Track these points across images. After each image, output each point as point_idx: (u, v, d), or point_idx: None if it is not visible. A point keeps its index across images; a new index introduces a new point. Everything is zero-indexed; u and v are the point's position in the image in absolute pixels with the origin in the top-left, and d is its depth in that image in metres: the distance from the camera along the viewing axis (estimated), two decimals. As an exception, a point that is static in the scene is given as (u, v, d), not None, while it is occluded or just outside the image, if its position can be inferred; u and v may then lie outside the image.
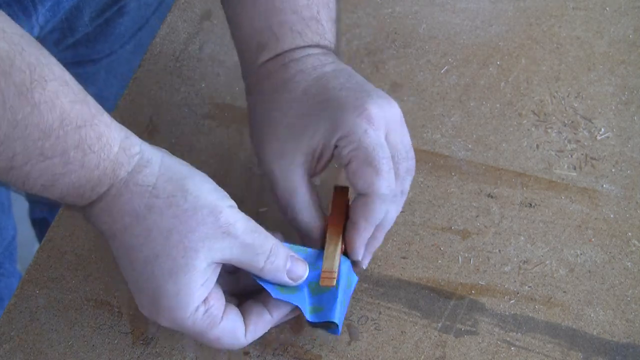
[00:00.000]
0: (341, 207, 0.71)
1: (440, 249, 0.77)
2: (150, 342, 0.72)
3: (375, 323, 0.73)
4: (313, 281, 0.67)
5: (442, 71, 0.87)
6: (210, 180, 0.63)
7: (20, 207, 1.41)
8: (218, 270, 0.63)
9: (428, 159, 0.81)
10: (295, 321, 0.73)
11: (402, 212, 0.78)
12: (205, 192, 0.62)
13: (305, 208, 0.69)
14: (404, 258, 0.76)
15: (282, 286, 0.66)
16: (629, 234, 0.77)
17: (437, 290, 0.74)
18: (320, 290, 0.67)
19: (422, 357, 0.71)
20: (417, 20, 0.91)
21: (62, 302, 0.75)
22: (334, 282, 0.66)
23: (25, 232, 1.51)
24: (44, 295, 0.75)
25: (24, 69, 0.56)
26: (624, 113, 0.84)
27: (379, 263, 0.76)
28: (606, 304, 0.73)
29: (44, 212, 1.42)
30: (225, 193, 0.63)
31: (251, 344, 0.72)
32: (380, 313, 0.73)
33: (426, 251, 0.77)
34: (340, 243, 0.69)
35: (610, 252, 0.76)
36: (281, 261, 0.64)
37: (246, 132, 0.83)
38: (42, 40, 0.87)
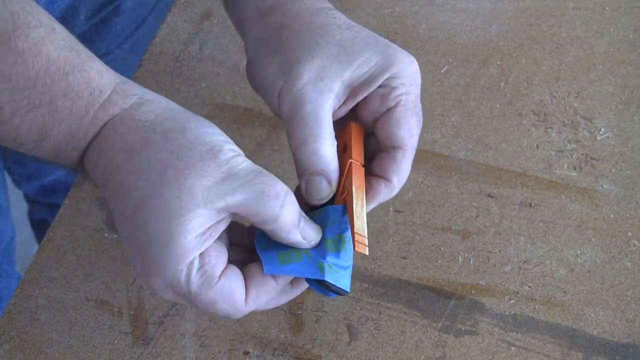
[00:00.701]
0: (361, 152, 0.64)
1: (440, 249, 0.77)
2: (150, 342, 0.72)
3: (375, 323, 0.73)
4: (329, 237, 0.61)
5: (442, 71, 0.87)
6: (217, 127, 0.58)
7: (19, 209, 1.41)
8: (221, 225, 0.57)
9: (428, 159, 0.81)
10: (295, 321, 0.73)
11: (402, 212, 0.78)
12: (208, 132, 0.57)
13: (330, 139, 0.61)
14: (404, 258, 0.76)
15: (284, 254, 0.59)
16: (629, 234, 0.77)
17: (437, 290, 0.74)
18: (338, 247, 0.61)
19: (422, 357, 0.71)
20: (417, 20, 0.91)
21: (62, 302, 0.75)
22: (367, 250, 0.61)
23: (24, 233, 1.51)
24: (44, 295, 0.75)
25: (6, 17, 0.54)
26: (624, 113, 0.84)
27: (379, 263, 0.76)
28: (606, 304, 0.73)
29: (43, 212, 1.41)
30: (232, 141, 0.58)
31: (251, 343, 0.72)
32: (380, 313, 0.73)
33: (426, 251, 0.76)
34: (365, 198, 0.62)
35: (610, 252, 0.76)
36: (296, 211, 0.57)
37: (246, 133, 0.83)
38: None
